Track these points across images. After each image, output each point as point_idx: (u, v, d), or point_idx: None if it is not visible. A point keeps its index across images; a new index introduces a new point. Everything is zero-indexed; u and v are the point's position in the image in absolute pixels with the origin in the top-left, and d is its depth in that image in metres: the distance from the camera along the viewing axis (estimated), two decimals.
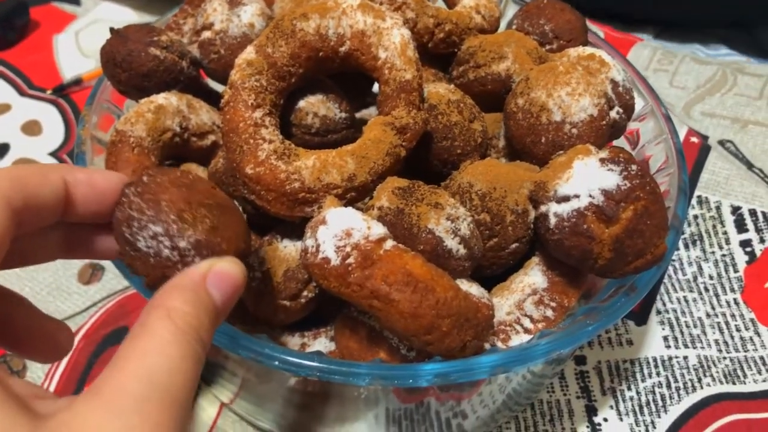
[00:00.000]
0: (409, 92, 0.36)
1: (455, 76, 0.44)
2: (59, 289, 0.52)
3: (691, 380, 0.49)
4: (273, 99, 0.36)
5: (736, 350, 0.50)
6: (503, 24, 0.51)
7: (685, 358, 0.50)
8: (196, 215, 0.26)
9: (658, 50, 0.76)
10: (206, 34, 0.42)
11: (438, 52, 0.44)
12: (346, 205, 0.34)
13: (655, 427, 0.46)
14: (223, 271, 0.25)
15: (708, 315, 0.53)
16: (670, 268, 0.55)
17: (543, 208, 0.35)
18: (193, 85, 0.43)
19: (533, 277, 0.37)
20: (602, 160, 0.34)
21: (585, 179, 0.34)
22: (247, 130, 0.34)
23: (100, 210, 0.27)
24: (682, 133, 0.63)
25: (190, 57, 0.42)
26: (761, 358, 0.50)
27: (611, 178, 0.33)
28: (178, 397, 0.21)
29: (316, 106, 0.39)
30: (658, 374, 0.49)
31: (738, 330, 0.52)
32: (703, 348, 0.50)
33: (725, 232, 0.57)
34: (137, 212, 0.26)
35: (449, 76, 0.45)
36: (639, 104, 0.46)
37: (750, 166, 0.63)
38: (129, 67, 0.40)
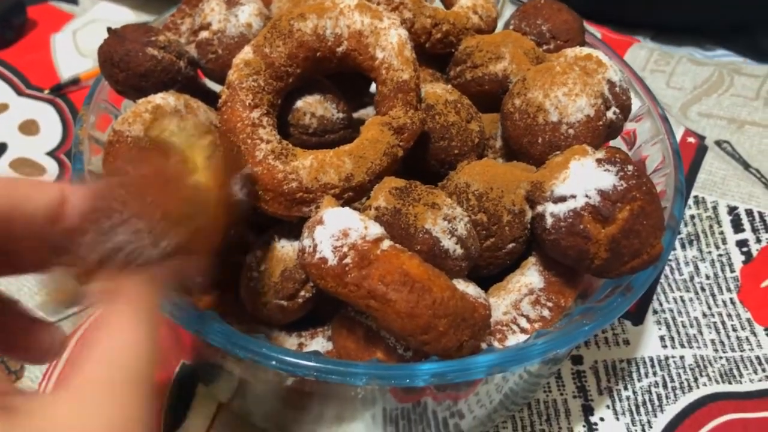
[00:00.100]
0: (406, 92, 0.36)
1: (452, 77, 0.44)
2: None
3: (687, 380, 0.49)
4: (270, 99, 0.36)
5: (733, 350, 0.51)
6: (500, 24, 0.51)
7: (682, 357, 0.50)
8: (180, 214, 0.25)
9: (655, 51, 0.76)
10: (204, 34, 0.42)
11: (435, 52, 0.44)
12: (343, 205, 0.34)
13: (651, 427, 0.46)
14: None
15: (704, 315, 0.53)
16: (667, 268, 0.56)
17: (540, 209, 0.35)
18: (190, 85, 0.43)
19: (530, 277, 0.37)
20: (599, 161, 0.35)
21: (581, 179, 0.34)
22: (245, 130, 0.34)
23: None
24: (678, 134, 0.63)
25: (187, 57, 0.42)
26: (757, 357, 0.50)
27: (608, 179, 0.33)
28: (140, 370, 0.22)
29: (313, 107, 0.39)
30: (654, 374, 0.49)
31: (734, 330, 0.52)
32: (699, 348, 0.51)
33: (722, 232, 0.57)
34: (120, 204, 0.25)
35: (446, 76, 0.45)
36: (636, 105, 0.46)
37: (747, 166, 0.64)
38: (126, 67, 0.40)
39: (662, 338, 0.51)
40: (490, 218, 0.36)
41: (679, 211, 0.39)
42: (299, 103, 0.39)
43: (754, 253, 0.55)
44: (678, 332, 0.52)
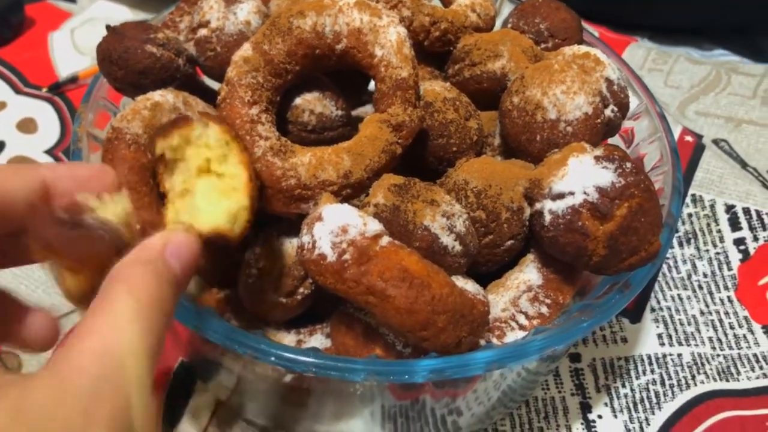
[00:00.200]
0: (405, 90, 0.36)
1: (451, 75, 0.44)
2: (55, 286, 0.52)
3: (685, 377, 0.49)
4: (269, 96, 0.36)
5: (730, 348, 0.51)
6: (499, 22, 0.51)
7: (679, 355, 0.50)
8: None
9: (653, 50, 0.76)
10: (202, 32, 0.42)
11: (434, 50, 0.44)
12: (342, 202, 0.34)
13: (649, 424, 0.47)
14: (180, 241, 0.25)
15: (702, 313, 0.53)
16: (665, 266, 0.56)
17: (538, 206, 0.35)
18: (189, 82, 0.43)
19: (528, 274, 0.37)
20: (597, 158, 0.35)
21: (580, 176, 0.34)
22: (244, 127, 0.34)
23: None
24: (676, 132, 0.63)
25: (186, 54, 0.42)
26: (754, 355, 0.50)
27: (606, 176, 0.34)
28: (138, 375, 0.21)
29: (312, 104, 0.39)
30: (652, 371, 0.49)
31: (732, 327, 0.52)
32: (697, 345, 0.51)
33: (719, 231, 0.57)
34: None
35: (445, 74, 0.45)
36: (634, 103, 0.47)
37: (744, 164, 0.64)
38: (125, 65, 0.40)
39: (660, 336, 0.51)
40: (489, 215, 0.36)
41: (677, 208, 0.39)
42: (298, 101, 0.39)
43: (752, 251, 0.56)
44: (676, 330, 0.52)
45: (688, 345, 0.51)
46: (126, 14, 0.76)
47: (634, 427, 0.46)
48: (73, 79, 0.65)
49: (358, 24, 0.37)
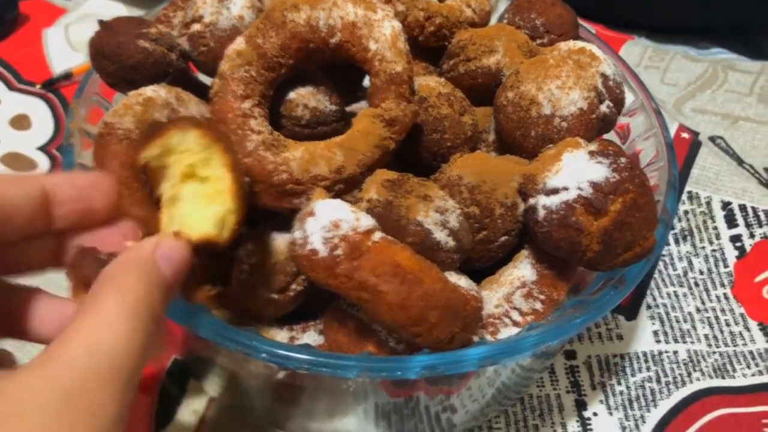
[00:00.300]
0: (399, 84, 0.35)
1: (446, 70, 0.44)
2: (50, 284, 0.51)
3: (680, 375, 0.49)
4: (262, 90, 0.36)
5: (726, 345, 0.51)
6: (495, 17, 0.51)
7: (675, 352, 0.50)
8: None
9: (649, 48, 0.76)
10: (196, 27, 0.42)
11: (429, 45, 0.44)
12: (334, 197, 0.34)
13: (644, 422, 0.46)
14: (171, 245, 0.26)
15: (698, 310, 0.53)
16: (661, 263, 0.56)
17: (532, 201, 0.35)
18: (182, 77, 0.43)
19: (522, 270, 0.37)
20: (591, 153, 0.34)
21: (574, 172, 0.34)
22: (236, 121, 0.34)
23: (85, 209, 0.27)
24: (672, 129, 0.63)
25: (179, 49, 0.42)
26: (750, 352, 0.50)
27: (600, 171, 0.33)
28: (124, 372, 0.21)
29: (306, 98, 0.39)
30: (648, 369, 0.49)
31: (728, 325, 0.52)
32: (693, 343, 0.51)
33: (715, 228, 0.57)
34: None
35: (440, 69, 0.45)
36: (629, 99, 0.46)
37: (740, 161, 0.64)
38: (118, 60, 0.39)
39: (656, 333, 0.51)
40: (483, 211, 0.36)
41: (672, 204, 0.39)
42: (292, 95, 0.38)
43: (748, 248, 0.55)
44: (672, 327, 0.52)
45: (684, 342, 0.51)
46: (120, 10, 0.75)
47: (629, 425, 0.46)
48: (67, 76, 0.65)
49: (352, 18, 0.36)
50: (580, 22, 0.79)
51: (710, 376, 0.49)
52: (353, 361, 0.31)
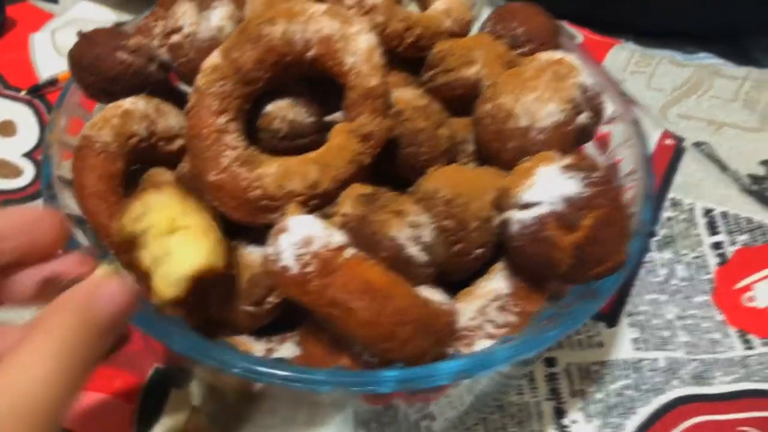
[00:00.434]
0: (374, 99, 0.36)
1: (426, 80, 0.44)
2: None
3: (659, 382, 0.49)
4: (238, 104, 0.36)
5: (705, 352, 0.51)
6: (477, 26, 0.51)
7: (655, 360, 0.50)
8: None
9: (636, 53, 0.76)
10: (175, 38, 0.42)
11: (408, 56, 0.44)
12: (309, 212, 0.34)
13: (622, 429, 0.47)
14: (111, 287, 0.26)
15: (679, 317, 0.53)
16: (643, 271, 0.56)
17: (506, 215, 0.35)
18: (162, 88, 0.43)
19: (497, 282, 0.37)
20: (565, 167, 0.35)
21: (547, 186, 0.34)
22: (210, 137, 0.34)
23: (30, 244, 0.28)
24: (657, 136, 0.64)
25: (159, 60, 0.42)
26: (729, 359, 0.50)
27: (573, 186, 0.34)
28: (41, 414, 0.21)
29: (284, 111, 0.39)
30: (627, 376, 0.49)
31: (708, 332, 0.52)
32: (672, 350, 0.51)
33: (697, 234, 0.57)
34: None
35: (420, 79, 0.45)
36: (609, 108, 0.47)
37: (724, 168, 0.64)
38: (96, 71, 0.40)
39: (636, 340, 0.51)
40: (458, 224, 0.36)
41: (648, 216, 0.40)
42: (269, 108, 0.39)
43: (729, 255, 0.56)
44: (652, 334, 0.52)
45: (664, 350, 0.51)
46: (108, 15, 0.75)
47: None
48: (53, 82, 0.65)
49: (328, 31, 0.36)
50: (568, 26, 0.80)
51: (688, 384, 0.49)
52: (325, 375, 0.32)
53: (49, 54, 0.69)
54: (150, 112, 0.40)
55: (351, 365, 0.34)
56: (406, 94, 0.39)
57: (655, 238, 0.58)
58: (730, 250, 0.56)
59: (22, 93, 0.65)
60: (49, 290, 0.27)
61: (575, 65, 0.43)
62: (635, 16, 0.82)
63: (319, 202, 0.34)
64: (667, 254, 0.57)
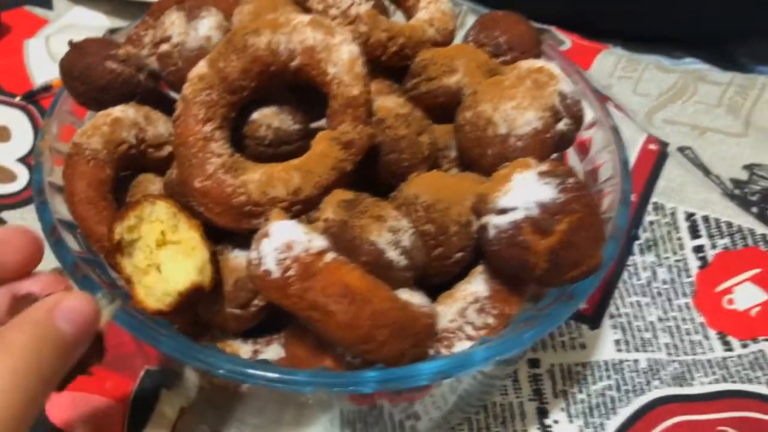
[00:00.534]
0: (355, 107, 0.37)
1: (409, 88, 0.45)
2: None
3: (640, 383, 0.50)
4: (224, 112, 0.37)
5: (685, 353, 0.52)
6: (462, 34, 0.52)
7: (636, 361, 0.51)
8: None
9: (623, 58, 0.77)
10: (164, 47, 0.43)
11: (392, 64, 0.45)
12: (292, 218, 0.35)
13: (604, 429, 0.48)
14: (72, 304, 0.26)
15: (660, 319, 0.54)
16: (626, 273, 0.57)
17: (483, 220, 0.36)
18: (152, 96, 0.44)
19: (476, 285, 0.38)
20: (541, 174, 0.36)
21: (522, 192, 0.35)
22: (196, 144, 0.35)
23: None
24: (641, 141, 0.65)
25: (148, 69, 0.43)
26: (708, 361, 0.51)
27: (547, 192, 0.35)
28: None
29: (269, 118, 0.40)
30: (608, 377, 0.50)
31: (688, 334, 0.53)
32: (653, 351, 0.52)
33: (679, 238, 0.59)
34: None
35: (404, 87, 0.46)
36: (589, 115, 0.48)
37: (707, 172, 0.65)
38: (87, 81, 0.41)
39: (617, 342, 0.53)
40: (438, 229, 0.37)
41: (623, 222, 0.41)
42: (255, 115, 0.40)
43: (710, 258, 0.57)
44: (633, 336, 0.53)
45: (645, 351, 0.52)
46: (103, 21, 0.76)
47: None
48: (47, 88, 0.66)
49: (311, 42, 0.38)
50: (556, 31, 0.81)
51: (669, 384, 0.50)
52: (308, 376, 0.33)
53: (43, 60, 0.70)
54: (139, 119, 0.41)
55: (334, 366, 0.35)
56: (389, 102, 0.40)
57: (638, 242, 0.59)
58: (711, 254, 0.57)
59: (17, 99, 0.66)
60: (21, 309, 0.27)
61: (555, 73, 0.44)
62: (623, 21, 0.83)
63: (301, 208, 0.35)
64: (649, 257, 0.58)
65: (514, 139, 0.40)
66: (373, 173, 0.40)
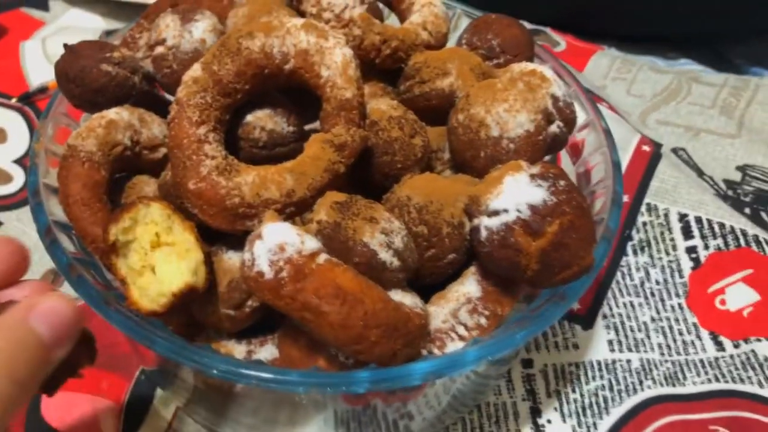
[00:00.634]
0: (349, 110, 0.37)
1: (402, 91, 0.46)
2: None
3: (633, 383, 0.50)
4: (218, 115, 0.37)
5: (678, 353, 0.52)
6: (455, 37, 0.52)
7: (629, 361, 0.52)
8: None
9: (618, 59, 0.77)
10: (159, 50, 0.43)
11: (385, 67, 0.45)
12: (286, 219, 0.35)
13: (596, 429, 0.48)
14: (49, 306, 0.26)
15: (653, 319, 0.55)
16: (619, 274, 0.57)
17: (476, 222, 0.37)
18: (146, 98, 0.44)
19: (468, 286, 0.38)
20: (532, 176, 0.36)
21: (514, 194, 0.35)
22: (191, 147, 0.35)
23: None
24: (634, 142, 0.65)
25: (142, 72, 0.43)
26: (701, 361, 0.52)
27: (539, 194, 0.35)
28: None
29: (263, 120, 0.40)
30: (601, 377, 0.51)
31: (681, 334, 0.54)
32: (646, 351, 0.52)
33: (672, 239, 0.59)
34: None
35: (397, 90, 0.47)
36: (582, 117, 0.48)
37: (701, 173, 0.66)
38: (82, 83, 0.41)
39: (610, 342, 0.53)
40: (431, 230, 0.37)
41: (615, 223, 0.41)
42: (249, 117, 0.40)
43: (702, 259, 0.57)
44: (626, 336, 0.53)
45: (638, 351, 0.52)
46: (99, 22, 0.77)
47: None
48: (43, 90, 0.66)
49: (305, 45, 0.38)
50: (551, 33, 0.81)
51: (661, 384, 0.50)
52: (301, 376, 0.33)
53: (39, 62, 0.70)
54: (134, 122, 0.41)
55: (327, 367, 0.36)
56: (382, 105, 0.41)
57: (631, 243, 0.59)
58: (703, 255, 0.58)
59: (13, 100, 0.66)
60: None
61: (548, 76, 0.44)
62: (618, 22, 0.84)
63: (295, 210, 0.36)
64: (642, 258, 0.58)
65: (506, 141, 0.40)
66: (366, 175, 0.40)
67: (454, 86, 0.43)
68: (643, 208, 0.61)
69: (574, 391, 0.50)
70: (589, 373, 0.51)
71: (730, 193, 0.63)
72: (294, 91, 0.42)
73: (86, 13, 0.77)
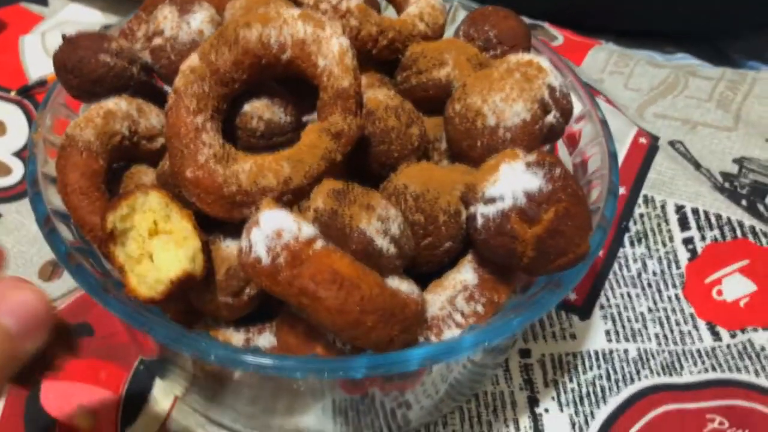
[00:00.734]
0: (345, 99, 0.37)
1: (399, 81, 0.46)
2: None
3: (630, 372, 0.51)
4: (215, 104, 0.37)
5: (675, 343, 0.53)
6: (453, 29, 0.52)
7: (626, 351, 0.52)
8: None
9: (615, 53, 0.78)
10: (157, 41, 0.43)
11: (382, 58, 0.45)
12: (283, 207, 0.35)
13: (594, 418, 0.48)
14: (17, 298, 0.26)
15: (650, 310, 0.55)
16: (616, 265, 0.58)
17: (472, 209, 0.37)
18: (145, 89, 0.44)
19: (465, 274, 0.39)
20: (528, 164, 0.36)
21: (510, 182, 0.36)
22: (188, 135, 0.35)
23: None
24: (631, 134, 0.65)
25: (140, 63, 0.43)
26: (698, 350, 0.52)
27: (534, 181, 0.35)
28: None
29: (260, 110, 0.40)
30: (599, 367, 0.51)
31: (677, 324, 0.54)
32: (643, 342, 0.53)
33: (669, 230, 0.59)
34: None
35: (394, 80, 0.47)
36: (578, 108, 0.48)
37: (698, 166, 0.66)
38: (80, 74, 0.41)
39: (608, 332, 0.53)
40: (427, 218, 0.38)
41: (611, 212, 0.41)
42: (246, 107, 0.40)
43: (699, 250, 0.57)
44: (623, 326, 0.54)
45: (635, 341, 0.53)
46: (98, 17, 0.77)
47: (579, 421, 0.48)
48: (42, 83, 0.66)
49: (302, 35, 0.38)
50: (549, 27, 0.81)
51: (658, 374, 0.51)
52: (299, 362, 0.33)
53: (38, 55, 0.70)
54: (132, 112, 0.41)
55: (325, 354, 0.36)
56: (379, 95, 0.41)
57: (628, 234, 0.59)
58: (700, 246, 0.58)
59: (12, 93, 0.66)
60: None
61: (544, 66, 0.44)
62: (615, 17, 0.84)
63: (292, 198, 0.36)
64: (639, 249, 0.58)
65: (502, 130, 0.40)
66: (363, 165, 0.40)
67: (450, 76, 0.44)
68: (640, 200, 0.61)
69: (571, 380, 0.50)
70: (587, 363, 0.51)
71: (726, 185, 0.64)
72: (291, 81, 0.42)
73: (85, 8, 0.77)
